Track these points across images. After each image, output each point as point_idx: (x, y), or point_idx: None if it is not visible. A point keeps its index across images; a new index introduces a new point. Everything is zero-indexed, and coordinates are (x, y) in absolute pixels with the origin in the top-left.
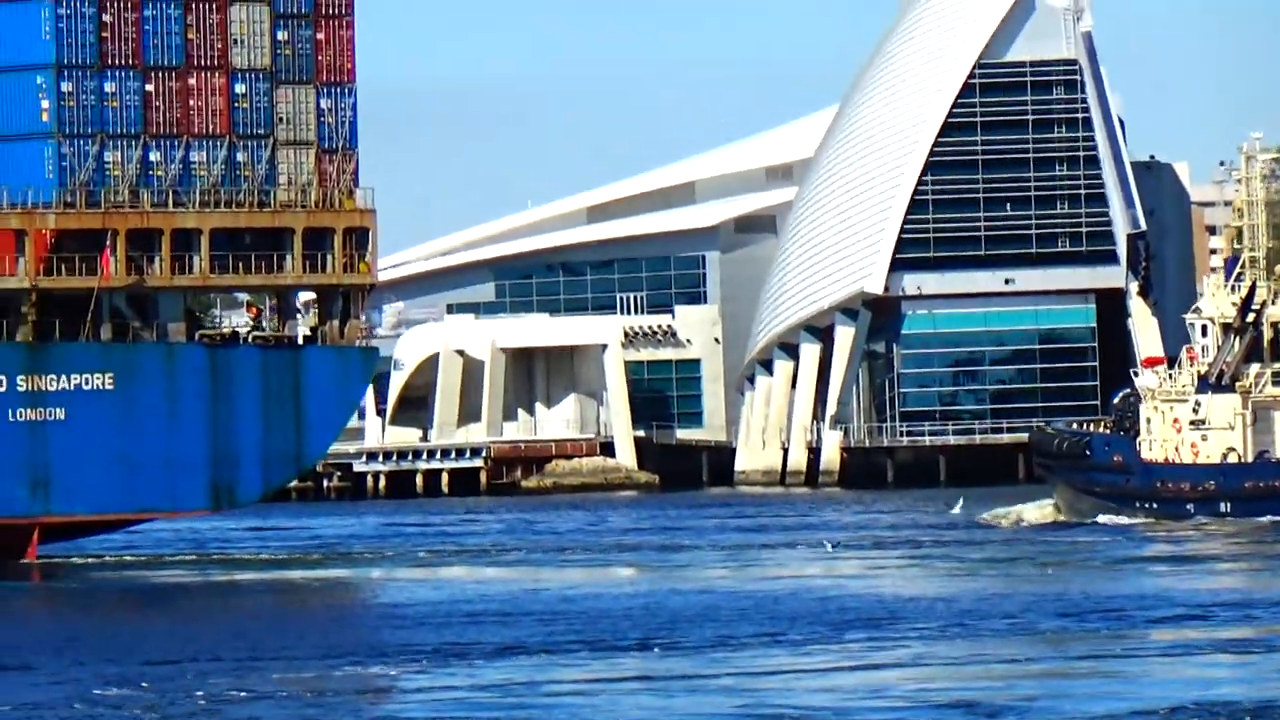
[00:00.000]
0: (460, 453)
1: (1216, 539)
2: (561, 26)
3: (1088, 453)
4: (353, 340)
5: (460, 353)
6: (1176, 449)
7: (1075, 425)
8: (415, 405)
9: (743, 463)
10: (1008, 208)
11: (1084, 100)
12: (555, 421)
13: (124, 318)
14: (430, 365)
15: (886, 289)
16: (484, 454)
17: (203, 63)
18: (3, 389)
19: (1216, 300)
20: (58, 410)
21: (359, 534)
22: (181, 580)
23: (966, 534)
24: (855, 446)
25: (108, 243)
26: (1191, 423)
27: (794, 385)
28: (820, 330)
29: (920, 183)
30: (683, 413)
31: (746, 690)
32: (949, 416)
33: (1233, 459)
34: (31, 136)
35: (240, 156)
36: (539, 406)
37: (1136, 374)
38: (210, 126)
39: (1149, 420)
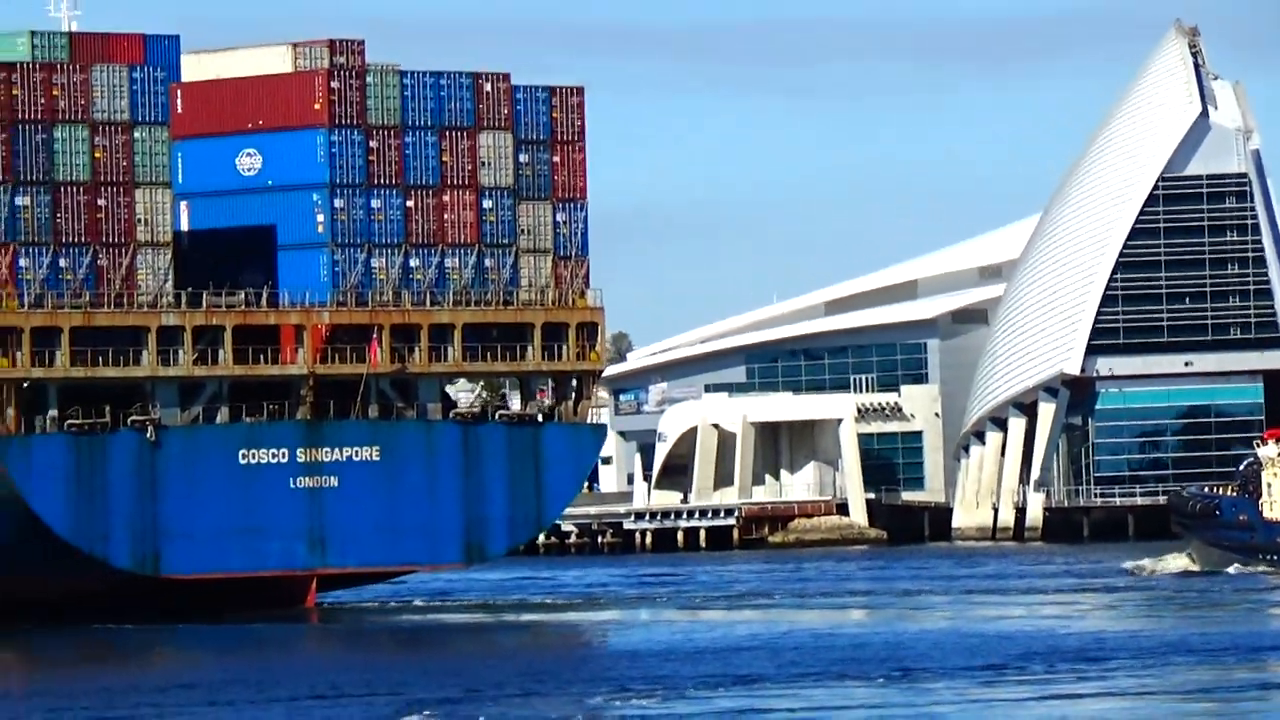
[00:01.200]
0: (716, 513)
1: None
2: (789, 140)
3: (1218, 513)
4: (584, 418)
5: (716, 426)
6: None
7: (1207, 489)
8: (677, 472)
9: (959, 520)
10: (1186, 301)
11: (1253, 209)
12: (797, 485)
13: (388, 399)
14: (690, 437)
15: (1083, 370)
16: (736, 514)
17: (455, 182)
18: (285, 460)
19: None
20: (332, 478)
21: (629, 581)
22: (462, 622)
23: (1139, 581)
24: (1056, 506)
25: (374, 335)
26: None
27: (1003, 453)
28: (1025, 406)
29: (1111, 280)
30: (907, 477)
31: (972, 713)
32: (1136, 480)
33: None
34: (309, 246)
35: (488, 262)
36: (783, 473)
37: (1259, 444)
38: (462, 237)
39: (1269, 484)
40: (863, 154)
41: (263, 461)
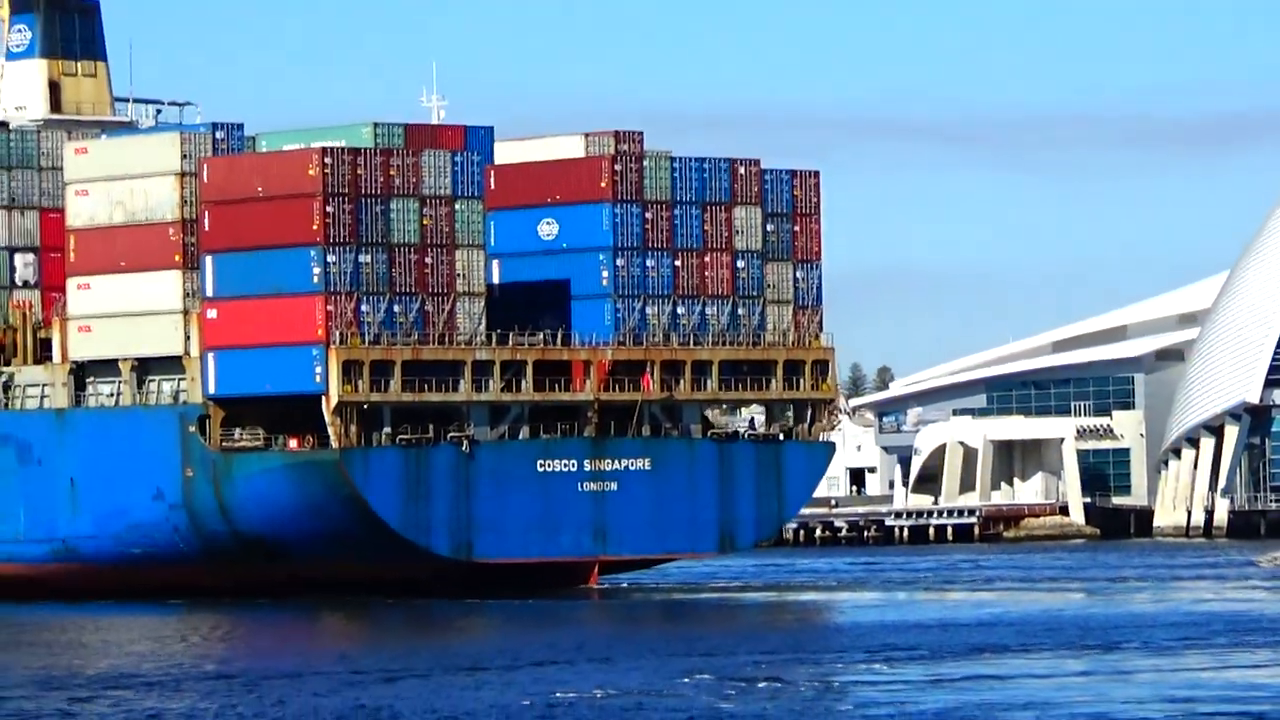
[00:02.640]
0: (961, 513)
1: None
2: (1018, 210)
3: None
4: (817, 437)
5: (961, 443)
6: None
7: None
8: (929, 479)
9: (1159, 520)
10: None
11: None
12: (1027, 491)
13: (658, 421)
14: (940, 451)
15: (1261, 400)
16: (977, 514)
17: (715, 246)
18: (574, 469)
19: None
20: (612, 484)
21: (889, 567)
22: (755, 600)
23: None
24: (1238, 510)
25: (648, 369)
26: None
27: (1195, 466)
28: (1215, 428)
29: None
30: (1117, 485)
31: (1165, 681)
32: None
33: None
34: (596, 296)
35: (740, 311)
36: (1016, 481)
37: None
38: (719, 290)
39: None
40: (1081, 221)
41: (556, 470)
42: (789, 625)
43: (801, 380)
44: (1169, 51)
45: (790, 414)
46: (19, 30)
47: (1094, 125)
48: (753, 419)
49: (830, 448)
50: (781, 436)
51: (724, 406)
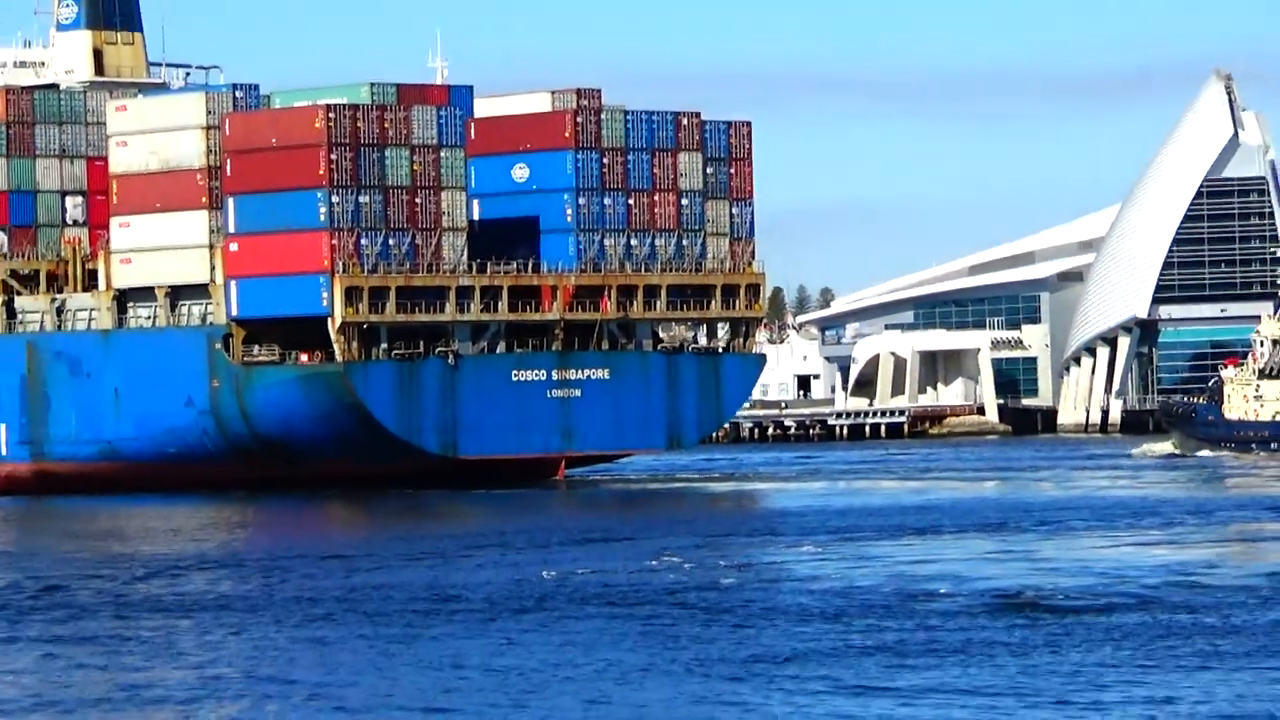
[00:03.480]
0: (892, 413)
1: (1272, 466)
2: (935, 151)
3: (1194, 414)
4: (750, 350)
5: (893, 354)
6: (1245, 413)
7: (1187, 399)
8: (864, 384)
9: (1063, 419)
10: (1222, 266)
11: (1269, 202)
12: (949, 395)
13: (615, 337)
14: (874, 360)
15: (1149, 315)
16: (907, 414)
17: (663, 187)
18: (543, 378)
19: (1270, 325)
20: (575, 390)
21: (837, 461)
22: (674, 488)
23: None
24: (1130, 409)
25: (605, 293)
26: (1255, 397)
27: (1093, 372)
28: (1110, 339)
29: (1169, 251)
30: (1026, 389)
31: (1067, 556)
32: (1185, 392)
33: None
34: (561, 231)
35: (684, 242)
36: (940, 385)
37: (1223, 368)
38: (666, 224)
39: (1228, 396)
40: (994, 161)
41: (528, 379)
42: (742, 511)
43: (736, 301)
44: (1073, 11)
45: (727, 330)
46: (66, 5)
47: (1005, 79)
48: (695, 334)
49: (762, 359)
50: (720, 349)
51: (671, 324)
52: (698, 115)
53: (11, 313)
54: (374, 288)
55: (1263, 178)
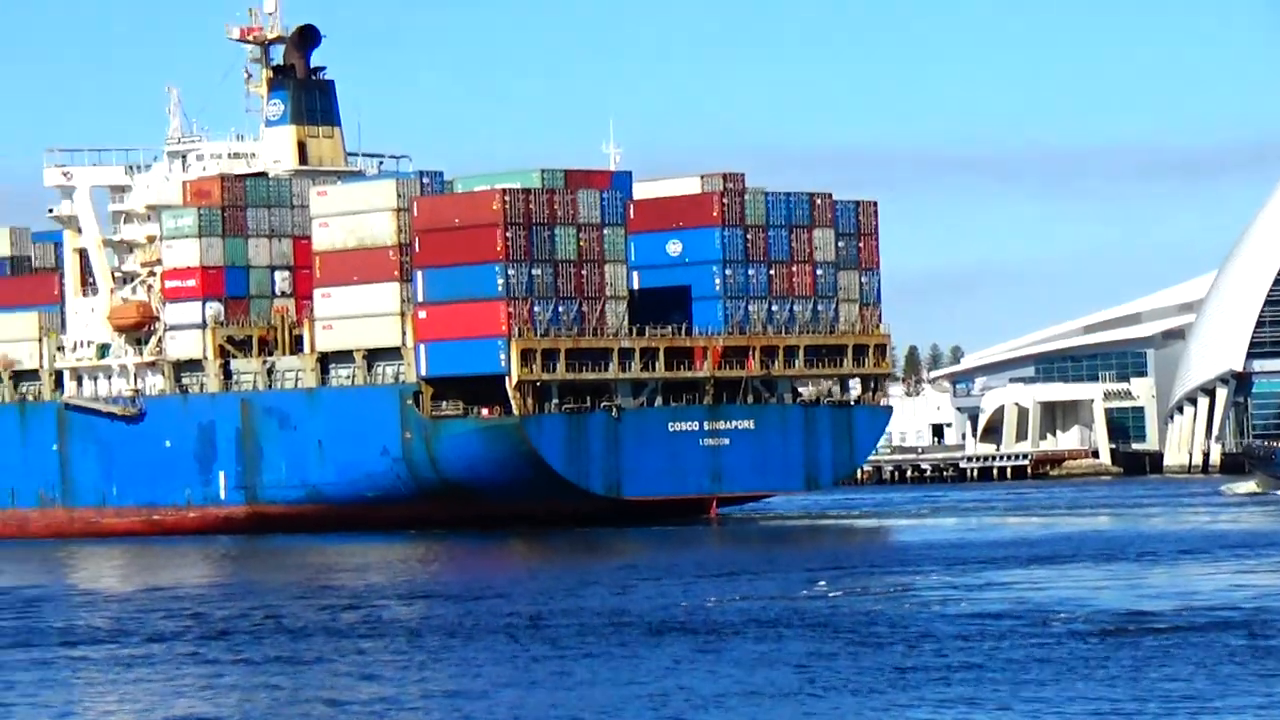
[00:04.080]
0: (1016, 457)
1: None
2: (1047, 223)
3: (1273, 456)
4: (878, 403)
5: (1016, 404)
6: None
7: (1266, 443)
8: (991, 431)
9: (1168, 461)
10: None
11: None
12: (1067, 440)
13: (759, 391)
14: (1000, 410)
15: (1243, 368)
16: (1029, 458)
17: (799, 258)
18: (696, 428)
19: None
20: (724, 439)
21: (967, 500)
22: (823, 525)
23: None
24: (1228, 452)
25: (749, 353)
26: None
27: (1194, 419)
28: (1209, 390)
29: (1262, 309)
30: (1135, 435)
31: (1166, 582)
32: (1275, 437)
33: None
34: (710, 298)
35: (819, 308)
36: (1059, 432)
37: None
38: (804, 292)
39: None
40: (1104, 231)
41: (683, 429)
42: (883, 544)
43: (866, 359)
44: (1168, 94)
45: (858, 384)
46: (274, 104)
47: (1111, 155)
48: (829, 388)
49: (889, 410)
50: (852, 402)
51: (808, 380)
52: (829, 195)
53: (228, 374)
54: (546, 350)
55: None
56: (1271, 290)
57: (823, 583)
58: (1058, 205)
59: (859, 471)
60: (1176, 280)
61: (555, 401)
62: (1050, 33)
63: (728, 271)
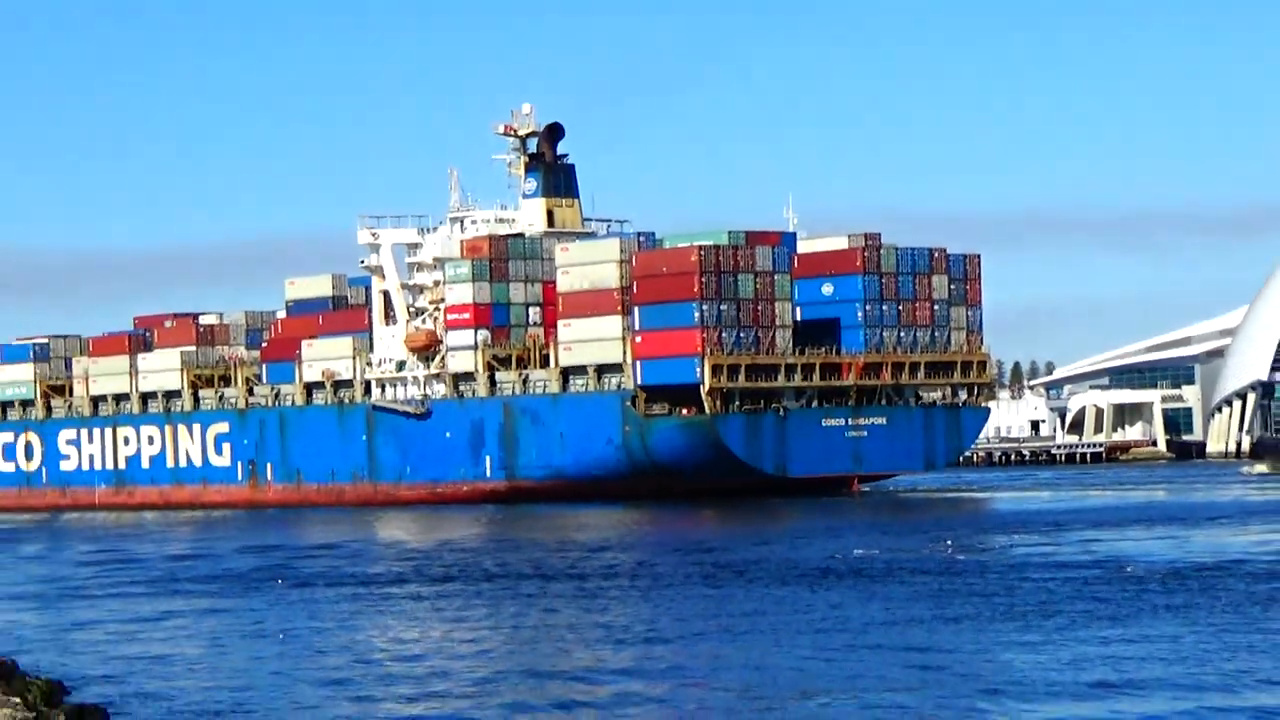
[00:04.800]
0: (1094, 446)
1: None
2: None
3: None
4: (979, 405)
5: (1095, 405)
6: None
7: (1274, 435)
8: (1076, 426)
9: (1210, 449)
10: None
11: None
12: (1133, 433)
13: (890, 396)
14: (1082, 410)
15: (1268, 378)
16: (1103, 447)
17: (921, 298)
18: (843, 424)
19: None
20: (864, 432)
21: (1057, 479)
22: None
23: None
24: (1259, 439)
25: (883, 368)
26: None
27: (1230, 417)
28: (1242, 395)
29: None
30: (1185, 429)
31: (1207, 541)
32: None
33: None
34: (853, 327)
35: (936, 334)
36: (1126, 427)
37: None
38: (924, 322)
39: None
40: (1163, 275)
41: (833, 424)
42: (991, 511)
43: (971, 372)
44: (1213, 165)
45: (964, 391)
46: (529, 182)
47: (1167, 215)
48: (943, 394)
49: (987, 411)
50: (960, 404)
51: (927, 388)
52: (944, 250)
53: (494, 382)
54: (730, 365)
55: None
56: None
57: (949, 541)
58: (1129, 254)
59: (975, 455)
60: (1218, 312)
61: (737, 404)
62: (1114, 115)
63: (868, 308)
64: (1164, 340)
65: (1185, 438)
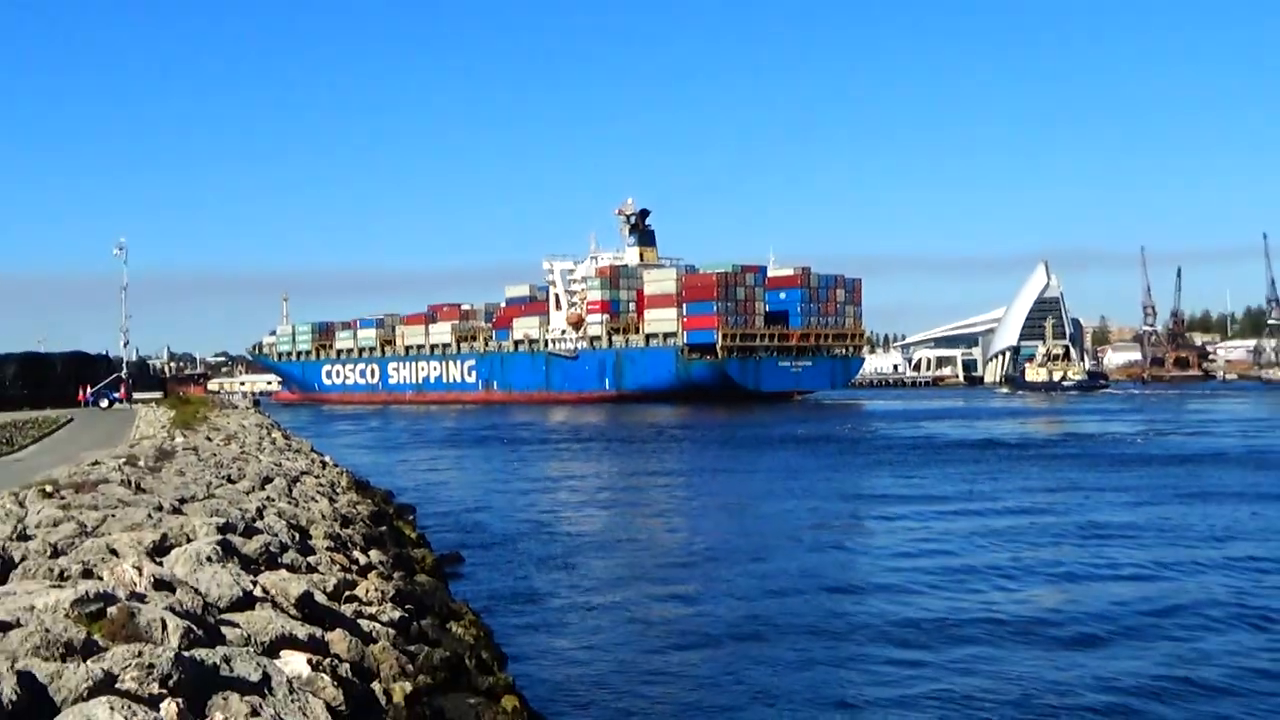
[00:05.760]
0: (926, 378)
1: None
2: None
3: None
4: (859, 356)
5: (926, 356)
6: None
7: None
8: (916, 367)
9: (986, 380)
10: None
11: None
12: (944, 372)
13: (813, 351)
14: (920, 359)
15: (1016, 344)
16: (931, 379)
17: (831, 301)
18: (789, 365)
19: None
20: (800, 369)
21: None
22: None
23: None
24: (1006, 375)
25: (810, 338)
26: None
27: (997, 364)
28: (1002, 352)
29: None
30: (973, 369)
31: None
32: None
33: None
34: (796, 315)
35: (837, 320)
36: (939, 370)
37: None
38: (831, 314)
39: None
40: (962, 291)
41: (785, 365)
42: (868, 411)
43: (854, 339)
44: None
45: (851, 349)
46: (630, 238)
47: (965, 259)
48: (841, 350)
49: (863, 359)
50: (849, 355)
51: None
52: (843, 275)
53: (610, 341)
54: (731, 333)
55: None
56: None
57: (849, 426)
58: (945, 277)
59: (861, 382)
60: (990, 310)
61: (735, 353)
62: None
63: (803, 305)
64: (963, 323)
65: (974, 374)
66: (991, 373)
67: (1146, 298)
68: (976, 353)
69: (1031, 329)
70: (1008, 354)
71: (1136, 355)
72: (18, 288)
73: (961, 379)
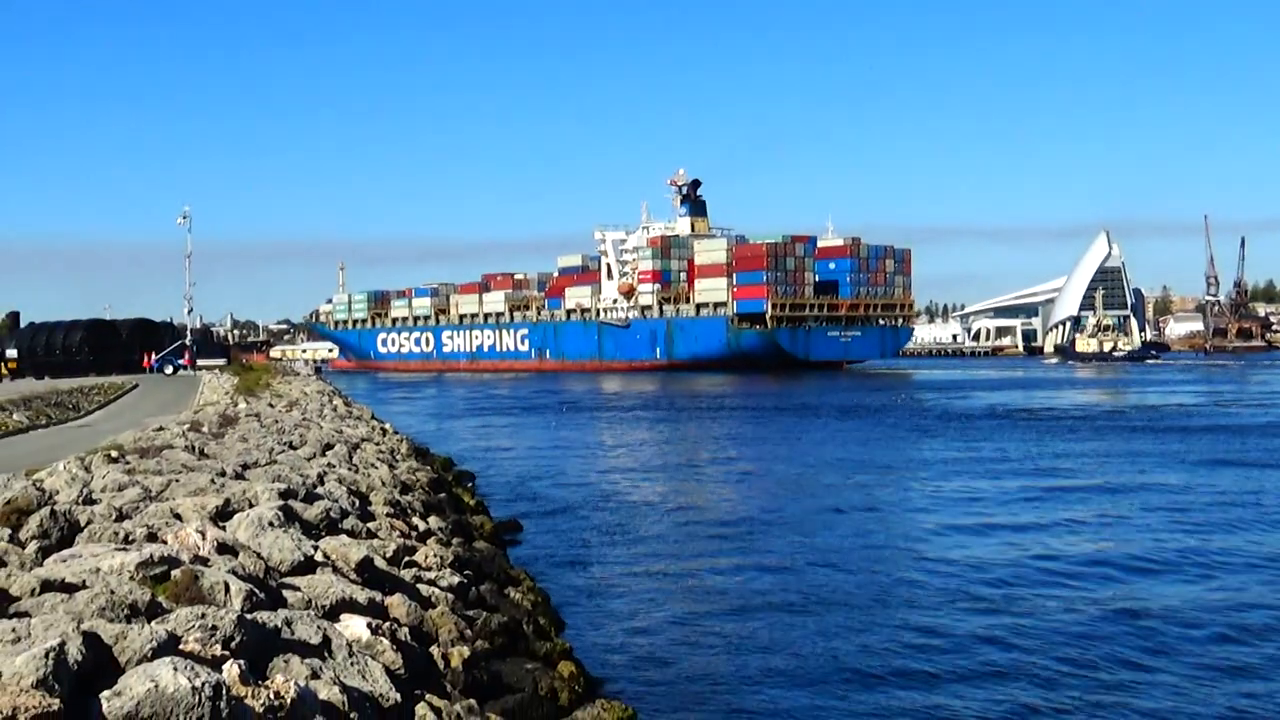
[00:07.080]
0: (985, 348)
1: None
2: None
3: None
4: (909, 326)
5: (986, 326)
6: None
7: None
8: (975, 337)
9: (1045, 351)
10: None
11: None
12: (1003, 342)
13: (863, 320)
14: (979, 329)
15: (1077, 314)
16: (990, 349)
17: (880, 271)
18: (839, 334)
19: None
20: (849, 338)
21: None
22: None
23: None
24: (1059, 346)
25: (860, 308)
26: None
27: (1056, 334)
28: (1061, 323)
29: None
30: (1032, 339)
31: None
32: None
33: None
34: (845, 285)
35: (886, 290)
36: (999, 340)
37: None
38: (880, 284)
39: None
40: (1023, 260)
41: (834, 335)
42: (921, 381)
43: (903, 310)
44: None
45: (901, 319)
46: (682, 209)
47: (1017, 229)
48: (889, 320)
49: (912, 329)
50: (898, 325)
51: None
52: (892, 246)
53: (661, 310)
54: (781, 303)
55: None
56: None
57: (902, 396)
58: (1005, 246)
59: (918, 352)
60: (1050, 279)
61: (784, 323)
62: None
63: (852, 275)
64: (1024, 293)
65: (1033, 345)
66: (1050, 343)
67: (1210, 267)
68: (1036, 323)
69: (1092, 299)
70: (1067, 324)
71: (1199, 325)
72: (85, 256)
73: (1021, 349)
